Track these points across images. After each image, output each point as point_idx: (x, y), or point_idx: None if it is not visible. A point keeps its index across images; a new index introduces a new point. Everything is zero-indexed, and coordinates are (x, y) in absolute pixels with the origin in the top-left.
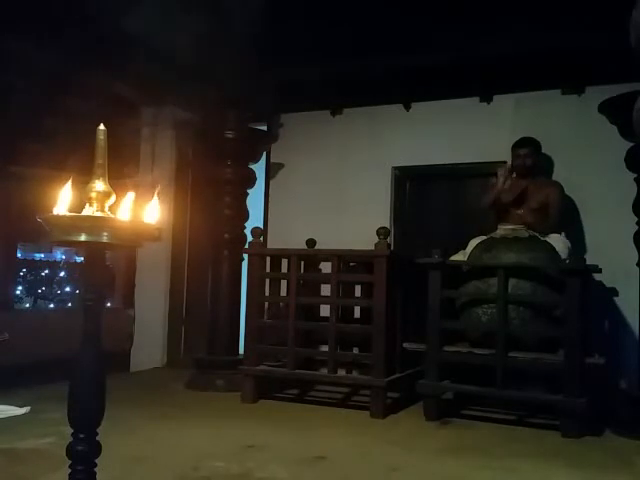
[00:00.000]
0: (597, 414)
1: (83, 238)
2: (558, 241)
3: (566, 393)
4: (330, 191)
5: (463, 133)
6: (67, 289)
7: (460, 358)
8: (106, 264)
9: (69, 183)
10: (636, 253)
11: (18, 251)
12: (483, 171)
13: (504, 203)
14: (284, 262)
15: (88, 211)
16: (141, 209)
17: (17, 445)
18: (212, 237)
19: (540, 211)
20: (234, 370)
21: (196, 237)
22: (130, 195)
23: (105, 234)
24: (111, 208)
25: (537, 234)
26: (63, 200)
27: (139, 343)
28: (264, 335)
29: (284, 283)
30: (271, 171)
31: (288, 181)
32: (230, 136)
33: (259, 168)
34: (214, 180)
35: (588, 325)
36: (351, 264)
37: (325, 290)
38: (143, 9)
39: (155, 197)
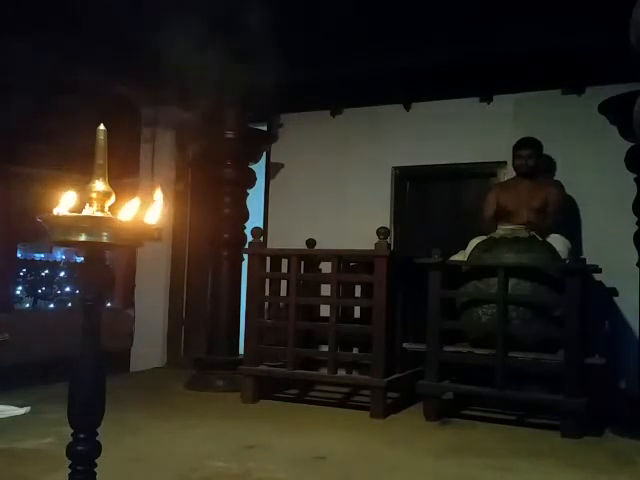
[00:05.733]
0: (597, 414)
1: (83, 238)
2: (558, 241)
3: (566, 393)
4: (330, 191)
5: (463, 133)
6: (67, 289)
7: (460, 358)
8: (106, 264)
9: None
10: (636, 253)
11: (18, 251)
12: (483, 171)
13: (504, 206)
14: (284, 262)
15: (88, 211)
16: (143, 210)
17: (17, 445)
18: (212, 237)
19: (541, 211)
20: (234, 370)
21: (196, 237)
22: (136, 200)
23: (105, 234)
24: (111, 208)
25: (537, 234)
26: (65, 203)
27: (139, 343)
28: (264, 335)
29: (284, 283)
30: (271, 171)
31: (288, 181)
32: (230, 136)
33: (259, 168)
34: (214, 180)
35: (588, 325)
36: (351, 264)
37: (325, 290)
38: (143, 9)
39: (158, 198)
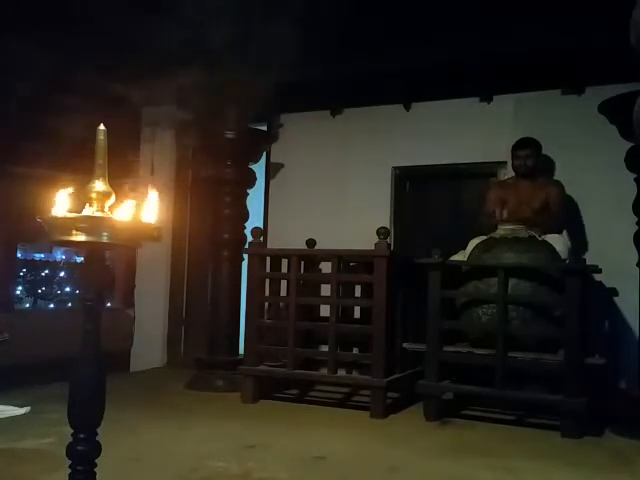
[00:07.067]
0: (597, 414)
1: (83, 238)
2: (558, 241)
3: (566, 393)
4: (330, 191)
5: (463, 133)
6: (67, 289)
7: (460, 358)
8: (106, 264)
9: (68, 189)
10: (636, 253)
11: (18, 251)
12: (483, 171)
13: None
14: (284, 262)
15: (88, 211)
16: (141, 210)
17: (17, 445)
18: (212, 237)
19: (541, 210)
20: (234, 370)
21: (196, 237)
22: (131, 202)
23: (105, 234)
24: (111, 208)
25: (537, 234)
26: (62, 204)
27: (139, 343)
28: (264, 335)
29: (284, 283)
30: (271, 171)
31: (288, 181)
32: (230, 136)
33: (259, 168)
34: (214, 180)
35: (588, 325)
36: (351, 264)
37: (325, 290)
38: (143, 9)
39: (153, 195)
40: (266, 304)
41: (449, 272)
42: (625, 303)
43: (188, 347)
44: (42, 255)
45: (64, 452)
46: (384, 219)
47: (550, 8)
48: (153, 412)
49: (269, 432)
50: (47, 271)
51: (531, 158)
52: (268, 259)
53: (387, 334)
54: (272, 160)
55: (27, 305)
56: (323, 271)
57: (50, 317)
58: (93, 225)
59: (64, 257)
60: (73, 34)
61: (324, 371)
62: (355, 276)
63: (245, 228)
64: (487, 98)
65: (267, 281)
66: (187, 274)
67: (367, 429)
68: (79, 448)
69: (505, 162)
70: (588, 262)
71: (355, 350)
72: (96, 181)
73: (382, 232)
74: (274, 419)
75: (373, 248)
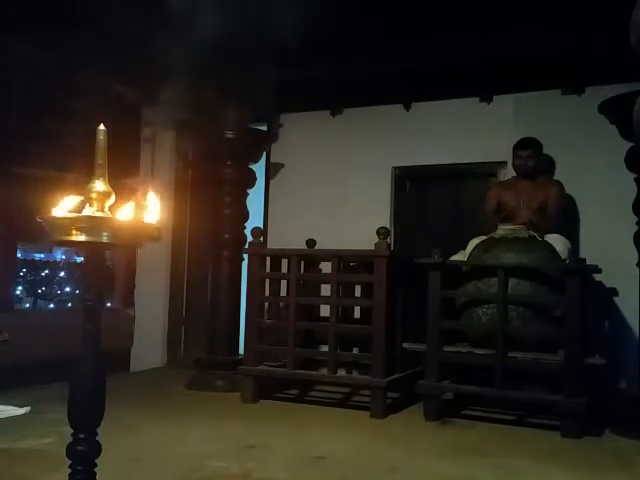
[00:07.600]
0: (597, 414)
1: (83, 238)
2: (558, 241)
3: (566, 393)
4: (330, 191)
5: (463, 133)
6: (67, 289)
7: (460, 358)
8: (106, 264)
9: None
10: (636, 253)
11: (18, 251)
12: (483, 171)
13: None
14: (284, 262)
15: (88, 211)
16: (141, 209)
17: (17, 445)
18: (212, 237)
19: (541, 210)
20: (234, 370)
21: (196, 237)
22: (130, 204)
23: (105, 234)
24: (111, 208)
25: (537, 234)
26: (64, 205)
27: (139, 343)
28: (264, 335)
29: (284, 283)
30: (271, 171)
31: (288, 181)
32: (230, 136)
33: (259, 168)
34: (214, 180)
35: (588, 325)
36: (351, 264)
37: (325, 290)
38: (143, 9)
39: (152, 197)
40: (266, 304)
41: (449, 272)
42: (625, 303)
43: (188, 347)
44: (42, 255)
45: (64, 452)
46: (384, 219)
47: (550, 8)
48: (153, 412)
49: (269, 432)
50: (47, 271)
51: (532, 158)
52: (268, 259)
53: (387, 334)
54: (272, 160)
55: (27, 305)
56: (323, 271)
57: (50, 317)
58: (93, 225)
59: (64, 257)
60: (73, 34)
61: (324, 371)
62: (355, 276)
63: (245, 228)
64: (487, 98)
65: (267, 281)
66: (187, 274)
67: (367, 429)
68: (79, 448)
69: (505, 162)
70: (588, 262)
71: (355, 350)
72: (96, 181)
73: (382, 232)
74: (274, 419)
75: (373, 248)
